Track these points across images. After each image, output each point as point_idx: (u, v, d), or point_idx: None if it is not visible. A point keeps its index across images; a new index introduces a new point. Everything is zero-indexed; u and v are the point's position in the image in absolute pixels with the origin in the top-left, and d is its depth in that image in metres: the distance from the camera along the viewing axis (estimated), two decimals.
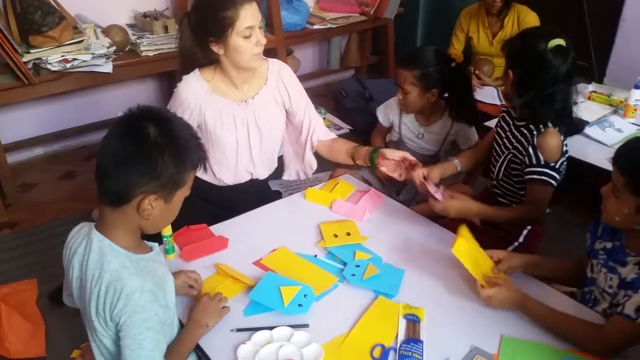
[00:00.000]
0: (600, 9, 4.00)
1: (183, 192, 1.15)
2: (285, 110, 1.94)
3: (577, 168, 2.34)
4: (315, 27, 3.71)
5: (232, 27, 1.62)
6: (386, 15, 3.89)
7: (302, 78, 4.16)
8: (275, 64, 1.89)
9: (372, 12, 3.88)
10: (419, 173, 1.76)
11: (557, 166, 1.71)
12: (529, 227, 1.88)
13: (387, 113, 2.35)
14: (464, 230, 1.46)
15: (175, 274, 1.34)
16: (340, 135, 3.23)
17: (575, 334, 1.27)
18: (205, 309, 1.30)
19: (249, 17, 1.62)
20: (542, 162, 1.70)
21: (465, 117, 2.17)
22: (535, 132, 1.72)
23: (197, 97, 1.76)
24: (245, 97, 1.83)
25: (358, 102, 3.74)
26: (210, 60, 1.76)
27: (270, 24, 3.41)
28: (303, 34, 3.70)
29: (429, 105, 2.16)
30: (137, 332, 1.09)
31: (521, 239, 1.90)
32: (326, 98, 4.04)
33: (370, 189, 1.93)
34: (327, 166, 3.20)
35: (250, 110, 1.83)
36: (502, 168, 1.87)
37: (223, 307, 1.33)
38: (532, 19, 3.10)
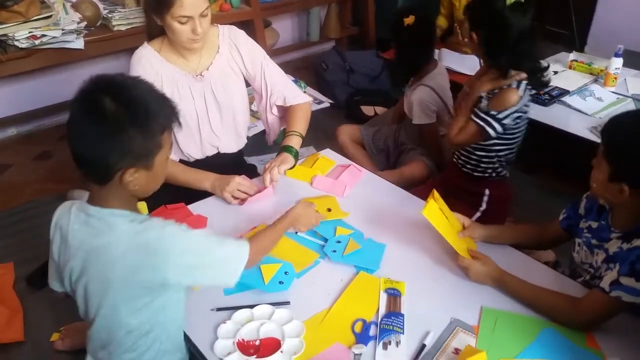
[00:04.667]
0: None
1: (163, 154, 1.12)
2: (244, 76, 1.89)
3: (558, 137, 2.36)
4: None
5: (168, 11, 1.60)
6: None
7: (281, 50, 4.14)
8: (225, 29, 1.85)
9: None
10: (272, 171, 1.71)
11: (498, 116, 1.77)
12: (487, 193, 1.98)
13: None
14: (435, 194, 1.45)
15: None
16: (321, 109, 3.22)
17: (553, 308, 1.27)
18: (306, 213, 1.47)
19: (186, 7, 1.59)
20: (485, 109, 1.79)
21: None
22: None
23: (152, 66, 1.75)
24: (199, 69, 1.80)
25: (338, 74, 3.69)
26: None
27: None
28: (280, 4, 3.63)
29: None
30: (199, 248, 1.11)
31: (484, 205, 1.98)
32: (306, 71, 3.98)
33: (350, 164, 1.91)
34: (307, 141, 3.19)
35: (207, 83, 1.80)
36: None
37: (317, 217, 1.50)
38: None
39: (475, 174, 1.98)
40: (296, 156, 1.79)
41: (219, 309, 1.28)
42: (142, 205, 1.43)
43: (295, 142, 1.81)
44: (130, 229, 1.08)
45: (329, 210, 1.62)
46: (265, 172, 1.71)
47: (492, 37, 1.75)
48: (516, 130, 1.86)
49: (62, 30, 2.71)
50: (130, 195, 1.14)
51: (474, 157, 1.95)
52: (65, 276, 1.17)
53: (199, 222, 1.58)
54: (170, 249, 1.08)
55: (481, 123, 1.79)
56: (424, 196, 1.54)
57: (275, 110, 1.96)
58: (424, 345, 1.19)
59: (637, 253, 1.19)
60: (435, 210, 1.40)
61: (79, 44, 2.76)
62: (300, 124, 1.87)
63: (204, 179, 1.73)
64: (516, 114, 1.78)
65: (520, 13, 1.69)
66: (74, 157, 1.07)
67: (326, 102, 3.25)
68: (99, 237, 1.10)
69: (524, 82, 1.76)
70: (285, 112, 1.96)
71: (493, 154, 1.91)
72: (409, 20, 2.21)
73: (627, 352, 1.19)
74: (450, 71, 2.62)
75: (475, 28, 1.79)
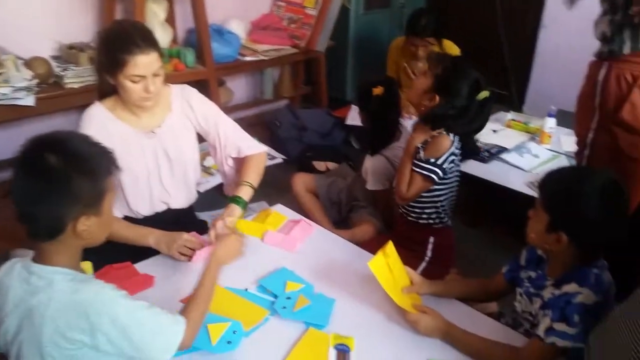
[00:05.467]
0: (518, 42, 4.28)
1: (110, 198, 1.15)
2: (198, 133, 1.92)
3: (498, 193, 2.47)
4: (247, 58, 3.73)
5: (121, 70, 1.63)
6: (317, 48, 3.98)
7: (236, 108, 4.21)
8: (178, 88, 1.89)
9: (303, 44, 3.97)
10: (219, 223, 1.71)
11: (437, 162, 1.88)
12: (432, 240, 2.07)
13: None
14: (388, 248, 1.49)
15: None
16: (274, 165, 3.27)
17: (496, 359, 1.31)
18: (226, 251, 1.43)
19: (139, 66, 1.62)
20: (424, 158, 1.90)
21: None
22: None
23: (103, 124, 1.75)
24: (151, 126, 1.82)
25: (291, 131, 3.77)
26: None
27: (201, 55, 3.41)
28: (235, 65, 3.71)
29: None
30: (131, 319, 1.09)
31: (429, 253, 2.06)
32: (260, 128, 4.04)
33: (301, 219, 1.94)
34: (259, 196, 3.21)
35: (158, 140, 1.82)
36: None
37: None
38: (454, 53, 3.27)
39: (420, 221, 2.06)
40: (244, 206, 1.79)
41: None
42: (87, 265, 1.41)
43: (244, 192, 1.82)
44: (67, 288, 1.07)
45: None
46: (212, 227, 1.71)
47: (448, 105, 1.84)
48: (450, 174, 1.96)
49: (13, 87, 2.69)
50: (79, 249, 1.15)
51: (417, 205, 2.03)
52: (1, 335, 1.13)
53: (145, 282, 1.55)
54: (101, 314, 1.06)
55: (425, 172, 1.89)
56: (374, 250, 1.58)
57: (230, 162, 1.98)
58: None
59: (566, 299, 1.26)
60: (382, 265, 1.44)
61: (29, 100, 2.73)
62: (252, 175, 1.88)
63: (148, 235, 1.71)
64: (451, 157, 1.90)
65: (486, 104, 1.86)
66: (20, 217, 1.08)
67: (279, 158, 3.30)
68: (35, 296, 1.08)
69: None
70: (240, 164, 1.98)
71: (434, 199, 2.00)
72: (378, 90, 2.31)
73: None
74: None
75: (439, 93, 1.85)
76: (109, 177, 1.14)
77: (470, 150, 2.06)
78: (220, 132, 1.91)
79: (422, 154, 1.91)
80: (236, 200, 1.79)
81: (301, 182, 2.73)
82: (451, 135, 1.90)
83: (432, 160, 1.88)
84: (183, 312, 1.22)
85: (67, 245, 1.11)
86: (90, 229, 1.11)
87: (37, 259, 1.12)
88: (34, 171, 1.06)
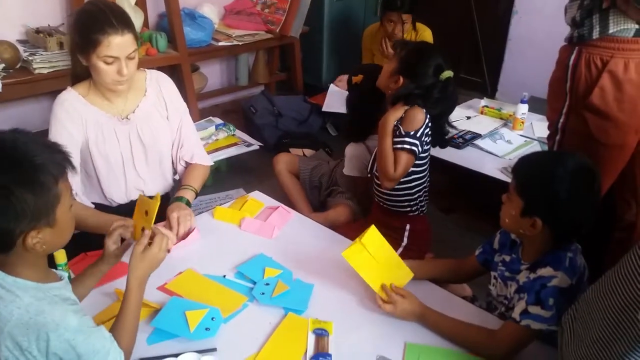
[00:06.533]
0: (490, 29, 4.32)
1: (64, 205, 1.05)
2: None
3: (473, 179, 2.51)
4: (220, 43, 3.68)
5: (94, 50, 1.60)
6: (292, 34, 3.94)
7: (211, 94, 4.17)
8: (153, 74, 1.87)
9: (277, 30, 3.93)
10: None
11: (417, 134, 1.91)
12: (408, 227, 2.10)
13: None
14: (368, 233, 1.48)
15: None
16: (250, 152, 3.24)
17: (472, 341, 1.34)
18: (143, 264, 1.22)
19: (112, 47, 1.59)
20: (403, 132, 1.91)
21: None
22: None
23: (76, 109, 1.72)
24: (124, 111, 1.79)
25: (267, 118, 3.75)
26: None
27: (173, 40, 3.35)
28: (208, 50, 3.66)
29: None
30: (87, 346, 1.04)
31: (405, 240, 2.10)
32: (235, 114, 4.01)
33: (279, 205, 1.94)
34: (236, 183, 3.19)
35: (133, 126, 1.79)
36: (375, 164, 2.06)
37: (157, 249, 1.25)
38: (427, 36, 3.29)
39: (396, 209, 2.09)
40: (188, 204, 1.79)
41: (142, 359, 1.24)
42: (61, 254, 1.38)
43: (189, 196, 1.82)
44: (32, 308, 1.01)
45: (146, 213, 1.33)
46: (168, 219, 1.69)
47: (414, 87, 1.91)
48: (424, 155, 1.99)
49: None
50: (38, 259, 1.07)
51: (393, 193, 2.05)
52: None
53: (121, 269, 1.53)
54: (61, 341, 1.01)
55: (407, 147, 1.90)
56: (352, 235, 1.59)
57: (183, 163, 1.95)
58: None
59: (541, 282, 1.29)
60: (358, 253, 1.44)
61: None
62: (198, 182, 1.90)
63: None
64: (427, 130, 1.94)
65: (449, 84, 1.92)
66: None
67: (255, 145, 3.27)
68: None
69: None
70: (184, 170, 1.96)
71: (410, 188, 2.02)
72: (357, 79, 2.31)
73: None
74: None
75: (403, 74, 1.95)
76: (61, 181, 1.03)
77: (441, 138, 2.07)
78: (183, 132, 1.91)
79: (401, 129, 1.92)
80: (182, 200, 1.78)
81: (283, 161, 2.73)
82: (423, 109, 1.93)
83: (412, 132, 1.90)
84: (115, 337, 1.13)
85: (24, 257, 1.03)
86: (42, 241, 1.02)
87: (0, 266, 1.05)
88: None
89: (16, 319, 1.00)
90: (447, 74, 1.90)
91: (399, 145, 1.92)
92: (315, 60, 4.40)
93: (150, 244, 1.25)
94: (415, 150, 1.91)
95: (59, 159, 1.04)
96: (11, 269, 1.04)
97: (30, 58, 2.84)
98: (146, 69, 1.87)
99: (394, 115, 1.94)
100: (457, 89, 2.03)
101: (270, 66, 4.43)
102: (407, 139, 1.90)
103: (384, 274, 1.47)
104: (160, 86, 1.85)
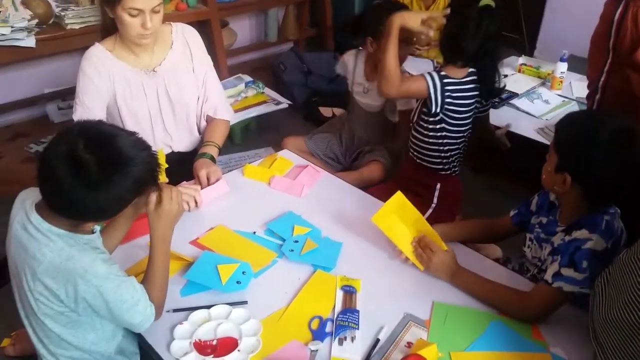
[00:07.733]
0: None
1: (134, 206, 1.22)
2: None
3: (507, 139, 2.44)
4: None
5: (120, 1, 1.60)
6: None
7: (239, 51, 4.13)
8: (179, 26, 1.87)
9: None
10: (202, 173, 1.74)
11: (445, 74, 1.84)
12: (438, 186, 2.05)
13: (344, 65, 2.58)
14: (395, 198, 1.48)
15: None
16: (279, 110, 3.23)
17: (503, 302, 1.33)
18: (168, 217, 1.26)
19: (138, 0, 1.59)
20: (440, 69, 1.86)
21: None
22: None
23: (103, 64, 1.74)
24: (151, 65, 1.80)
25: (297, 75, 3.70)
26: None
27: None
28: (238, 4, 3.61)
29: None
30: (115, 295, 1.11)
31: (435, 200, 2.05)
32: (264, 72, 3.97)
33: (308, 164, 1.94)
34: (265, 141, 3.19)
35: (160, 79, 1.80)
36: (417, 112, 2.00)
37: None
38: None
39: (428, 165, 2.04)
40: (212, 160, 1.81)
41: (175, 310, 1.28)
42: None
43: (214, 151, 1.83)
44: (63, 253, 1.09)
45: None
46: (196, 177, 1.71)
47: (460, 35, 1.79)
48: (456, 117, 1.90)
49: (12, 27, 2.62)
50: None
51: (426, 148, 2.01)
52: (7, 240, 1.18)
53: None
54: (89, 286, 1.09)
55: (427, 76, 1.82)
56: (382, 196, 1.58)
57: (206, 118, 1.96)
58: (378, 340, 1.22)
59: (576, 244, 1.27)
60: (387, 216, 1.44)
61: (29, 42, 2.67)
62: (221, 138, 1.91)
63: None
64: (459, 93, 1.85)
65: (490, 16, 1.76)
66: (44, 190, 1.08)
67: (284, 103, 3.25)
68: (32, 243, 1.10)
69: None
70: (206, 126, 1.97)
71: (443, 147, 1.97)
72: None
73: (568, 342, 1.25)
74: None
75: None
76: (144, 187, 1.16)
77: (490, 89, 1.96)
78: (208, 86, 1.90)
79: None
80: (207, 155, 1.79)
81: (292, 144, 2.66)
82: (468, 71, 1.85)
83: (443, 73, 1.83)
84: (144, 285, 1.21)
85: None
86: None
87: (39, 207, 1.12)
88: (73, 174, 1.03)
89: (48, 261, 1.08)
90: (486, 1, 1.76)
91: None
92: (346, 16, 4.29)
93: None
94: (430, 84, 1.81)
95: (146, 167, 1.16)
96: (48, 215, 1.11)
97: (62, 13, 2.85)
98: (172, 22, 1.85)
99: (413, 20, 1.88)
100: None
101: (300, 22, 4.35)
102: (434, 73, 1.84)
103: (414, 238, 1.47)
104: (186, 38, 1.84)
